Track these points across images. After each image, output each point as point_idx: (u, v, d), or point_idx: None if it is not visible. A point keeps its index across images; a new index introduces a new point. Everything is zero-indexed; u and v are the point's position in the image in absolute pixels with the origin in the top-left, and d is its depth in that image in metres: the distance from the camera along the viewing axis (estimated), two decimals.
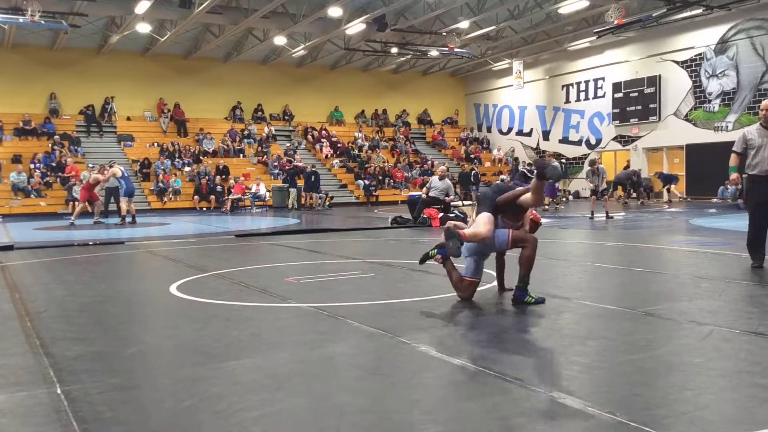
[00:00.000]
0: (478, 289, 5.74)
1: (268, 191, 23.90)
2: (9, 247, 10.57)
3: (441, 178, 14.76)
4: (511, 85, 30.74)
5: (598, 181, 15.76)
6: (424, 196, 14.65)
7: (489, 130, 33.64)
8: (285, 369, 3.64)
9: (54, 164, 23.51)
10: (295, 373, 3.55)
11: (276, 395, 3.17)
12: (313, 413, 2.93)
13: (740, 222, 13.49)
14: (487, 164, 31.36)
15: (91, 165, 21.56)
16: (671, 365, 3.57)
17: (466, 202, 18.08)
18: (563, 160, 27.23)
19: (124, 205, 16.24)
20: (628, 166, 24.34)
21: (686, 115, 24.30)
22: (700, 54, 23.72)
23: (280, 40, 24.77)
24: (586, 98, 28.35)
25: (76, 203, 19.35)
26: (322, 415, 2.89)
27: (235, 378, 3.48)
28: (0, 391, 3.30)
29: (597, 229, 12.76)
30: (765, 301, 5.27)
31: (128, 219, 16.21)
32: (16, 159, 23.57)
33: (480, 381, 3.35)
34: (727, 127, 22.98)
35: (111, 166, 16.76)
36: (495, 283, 5.98)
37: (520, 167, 23.77)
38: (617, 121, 26.62)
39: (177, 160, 25.89)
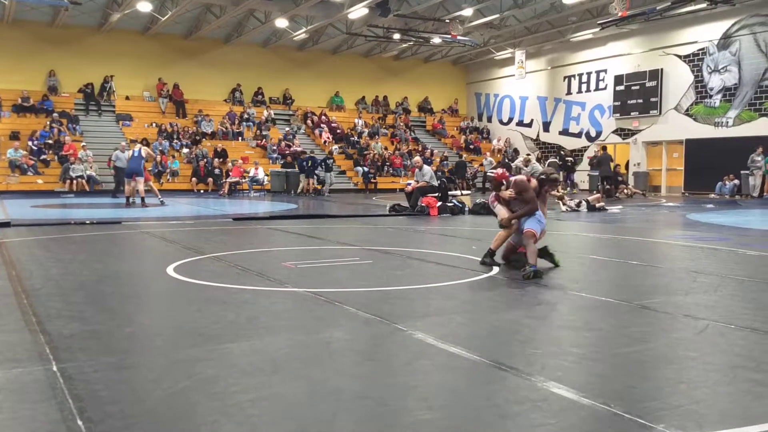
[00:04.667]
0: (474, 279, 5.79)
1: (267, 175, 23.83)
2: (6, 224, 10.55)
3: (420, 168, 15.17)
4: (513, 75, 30.58)
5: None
6: (414, 185, 14.75)
7: (489, 119, 33.54)
8: (281, 353, 3.64)
9: (51, 142, 23.40)
10: (291, 358, 3.56)
11: (272, 378, 3.18)
12: (309, 397, 2.94)
13: (737, 218, 13.52)
14: (487, 154, 31.30)
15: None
16: (666, 358, 3.59)
17: (465, 192, 18.06)
18: (562, 152, 27.20)
19: (141, 185, 15.93)
20: (596, 159, 23.40)
21: (687, 110, 24.24)
22: (703, 49, 23.63)
23: (281, 23, 24.56)
24: (588, 90, 28.25)
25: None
26: (318, 400, 2.90)
27: (232, 361, 3.48)
28: None
29: (593, 222, 12.77)
30: (760, 296, 5.28)
31: (135, 199, 15.91)
32: (14, 136, 23.44)
33: (475, 369, 3.36)
34: (727, 122, 22.95)
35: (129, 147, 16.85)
36: (491, 273, 6.03)
37: (551, 159, 24.66)
38: (618, 114, 26.55)
39: (175, 141, 25.78)
